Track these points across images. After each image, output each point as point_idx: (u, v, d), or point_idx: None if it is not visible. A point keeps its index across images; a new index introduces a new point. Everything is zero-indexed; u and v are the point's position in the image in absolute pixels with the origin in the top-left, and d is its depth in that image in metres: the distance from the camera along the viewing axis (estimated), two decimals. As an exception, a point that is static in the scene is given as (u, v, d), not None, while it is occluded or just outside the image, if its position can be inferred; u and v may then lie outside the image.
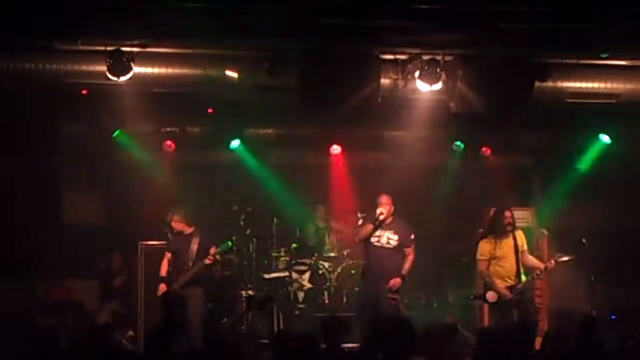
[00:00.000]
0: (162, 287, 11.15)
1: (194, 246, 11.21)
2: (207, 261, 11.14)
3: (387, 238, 10.68)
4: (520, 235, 10.54)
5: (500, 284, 10.33)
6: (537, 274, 10.33)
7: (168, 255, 11.35)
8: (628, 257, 12.60)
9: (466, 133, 13.23)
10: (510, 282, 10.33)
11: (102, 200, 13.69)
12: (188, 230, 11.32)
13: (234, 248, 12.15)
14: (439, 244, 12.03)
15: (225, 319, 12.43)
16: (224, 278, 12.89)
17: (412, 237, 10.76)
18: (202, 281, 11.20)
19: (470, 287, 13.12)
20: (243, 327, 12.01)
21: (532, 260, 10.43)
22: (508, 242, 10.45)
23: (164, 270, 11.30)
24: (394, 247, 10.67)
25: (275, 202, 13.66)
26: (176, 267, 11.19)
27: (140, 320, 12.19)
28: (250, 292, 12.36)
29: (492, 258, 10.44)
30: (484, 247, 10.54)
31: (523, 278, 10.36)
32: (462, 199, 13.52)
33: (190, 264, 11.10)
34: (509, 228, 10.45)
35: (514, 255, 10.38)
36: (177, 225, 11.35)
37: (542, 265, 10.31)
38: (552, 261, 10.23)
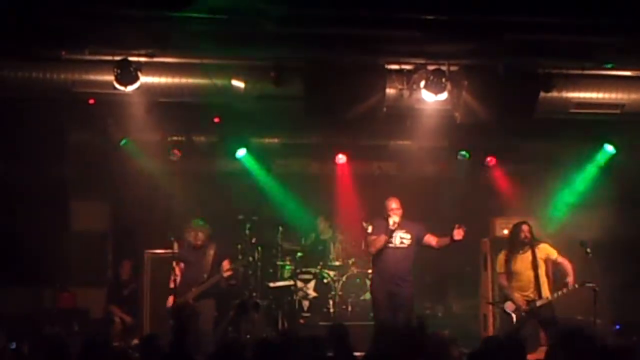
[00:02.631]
0: (171, 300, 11.04)
1: (209, 258, 11.18)
2: (226, 274, 11.13)
3: (400, 238, 10.56)
4: (544, 248, 10.51)
5: (519, 297, 10.36)
6: (563, 292, 10.30)
7: (177, 267, 11.10)
8: (633, 267, 12.60)
9: (471, 143, 13.26)
10: (529, 296, 10.36)
11: (109, 209, 13.77)
12: (201, 242, 11.30)
13: (238, 255, 12.19)
14: (443, 254, 12.00)
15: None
16: (230, 287, 12.92)
17: (423, 226, 10.68)
18: (214, 292, 11.19)
19: (474, 296, 13.18)
20: (234, 334, 12.00)
21: (566, 264, 10.37)
22: (525, 256, 10.45)
23: (172, 282, 11.09)
24: (408, 246, 10.57)
25: (280, 211, 13.70)
26: (190, 279, 11.02)
27: (146, 329, 12.20)
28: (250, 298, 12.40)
29: (509, 272, 10.48)
30: (499, 261, 10.62)
31: (546, 293, 10.38)
32: (467, 208, 13.54)
33: (205, 275, 11.03)
34: (526, 242, 10.47)
35: (531, 270, 10.38)
36: (199, 239, 11.26)
37: (564, 289, 10.25)
38: (577, 285, 10.18)
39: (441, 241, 10.57)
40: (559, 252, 10.49)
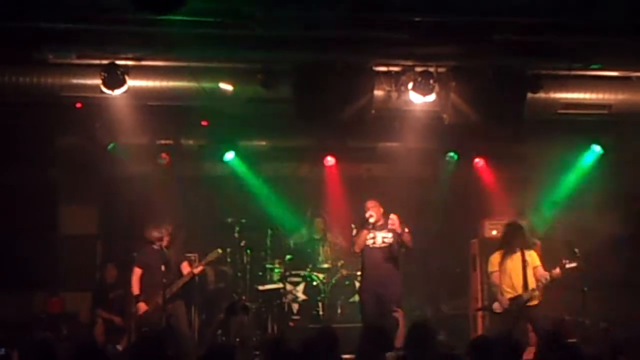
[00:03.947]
0: (143, 306, 11.00)
1: (170, 259, 11.17)
2: (196, 270, 11.16)
3: (382, 238, 10.70)
4: (530, 254, 10.58)
5: (507, 295, 10.39)
6: (542, 283, 10.34)
7: (138, 271, 11.13)
8: (620, 267, 12.65)
9: (459, 144, 13.28)
10: (516, 294, 10.39)
11: (97, 213, 13.72)
12: (165, 243, 11.30)
13: (226, 258, 12.18)
14: (432, 255, 12.08)
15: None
16: (218, 290, 12.91)
17: (393, 217, 10.62)
18: (182, 293, 11.19)
19: (463, 297, 13.20)
20: (223, 338, 11.99)
21: (542, 273, 10.42)
22: (516, 256, 10.50)
23: (136, 287, 11.11)
24: (390, 245, 10.67)
25: (269, 213, 13.69)
26: (152, 283, 10.98)
27: (134, 331, 12.16)
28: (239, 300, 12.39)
29: (502, 271, 10.52)
30: (493, 260, 10.65)
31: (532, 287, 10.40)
32: (456, 209, 13.58)
33: (165, 278, 10.93)
34: (520, 239, 10.53)
35: (521, 269, 10.42)
36: (161, 240, 11.24)
37: (547, 275, 10.32)
38: (558, 269, 10.25)
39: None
40: (542, 261, 10.55)
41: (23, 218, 12.53)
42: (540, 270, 10.45)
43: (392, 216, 10.52)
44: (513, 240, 10.55)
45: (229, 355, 6.95)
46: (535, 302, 10.37)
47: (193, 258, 11.93)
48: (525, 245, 10.54)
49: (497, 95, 10.37)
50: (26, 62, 10.06)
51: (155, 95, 10.45)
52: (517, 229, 10.66)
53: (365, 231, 10.67)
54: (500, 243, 10.74)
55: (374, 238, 10.73)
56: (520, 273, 10.42)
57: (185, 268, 11.30)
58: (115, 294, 12.55)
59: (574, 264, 10.23)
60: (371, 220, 10.63)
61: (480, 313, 12.33)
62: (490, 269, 10.69)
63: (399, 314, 10.48)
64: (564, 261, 10.23)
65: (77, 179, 13.15)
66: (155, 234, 11.22)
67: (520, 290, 10.37)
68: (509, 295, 10.39)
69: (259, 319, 12.57)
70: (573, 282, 10.65)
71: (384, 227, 10.69)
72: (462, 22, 8.99)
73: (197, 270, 11.24)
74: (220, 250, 11.55)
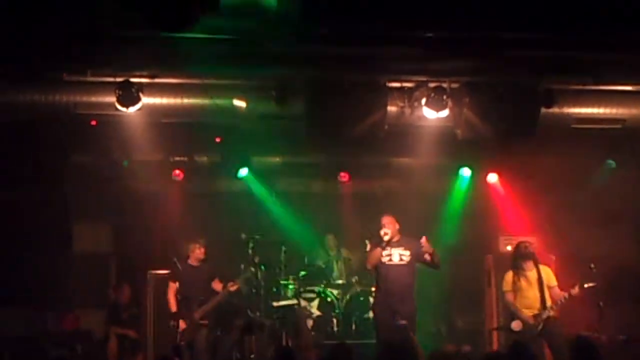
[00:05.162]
0: (183, 324, 10.98)
1: (205, 276, 11.26)
2: (232, 288, 11.18)
3: (399, 255, 10.53)
4: (545, 270, 10.55)
5: (526, 313, 10.35)
6: (561, 301, 10.31)
7: (174, 286, 11.17)
8: (636, 282, 12.58)
9: (473, 159, 13.26)
10: (535, 312, 10.35)
11: (111, 230, 13.76)
12: (201, 260, 11.36)
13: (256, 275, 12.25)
14: (446, 270, 12.01)
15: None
16: (233, 306, 12.90)
17: (423, 239, 10.49)
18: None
19: (478, 313, 13.14)
20: (238, 354, 11.97)
21: (559, 293, 10.39)
22: (531, 274, 10.47)
23: (173, 304, 11.12)
24: (408, 263, 10.51)
25: (283, 230, 13.69)
26: (188, 298, 11.07)
27: (151, 349, 12.17)
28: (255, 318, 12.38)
29: (516, 290, 10.48)
30: (507, 280, 10.60)
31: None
32: (470, 225, 13.55)
33: (201, 295, 11.09)
34: (530, 259, 10.49)
35: (537, 287, 10.39)
36: (197, 255, 11.32)
37: (566, 294, 10.28)
38: (577, 288, 10.20)
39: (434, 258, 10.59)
40: (559, 281, 10.50)
41: (37, 235, 12.56)
42: (557, 290, 10.40)
43: (423, 240, 10.43)
44: (520, 261, 10.53)
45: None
46: (551, 319, 10.33)
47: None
48: (536, 263, 10.50)
49: (510, 111, 10.36)
50: (41, 80, 10.10)
51: (170, 112, 10.48)
52: (523, 248, 10.63)
53: (379, 249, 10.57)
54: (512, 263, 10.71)
55: (390, 255, 10.59)
56: (537, 291, 10.37)
57: (216, 285, 11.30)
58: (129, 314, 12.54)
59: (592, 284, 10.18)
60: (385, 238, 10.52)
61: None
62: (504, 288, 10.65)
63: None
64: (582, 281, 10.18)
65: (91, 197, 13.20)
66: (192, 248, 11.28)
67: (538, 309, 10.33)
68: (530, 313, 10.34)
69: (273, 336, 12.55)
70: (589, 297, 10.60)
71: (400, 243, 10.57)
72: (474, 38, 8.97)
73: (232, 288, 11.24)
74: (253, 269, 11.58)
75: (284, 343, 12.36)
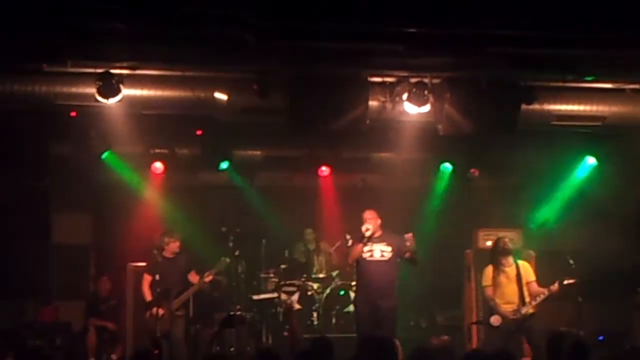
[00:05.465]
0: (154, 314, 11.03)
1: (181, 268, 11.29)
2: (207, 279, 11.22)
3: (381, 251, 10.54)
4: (524, 266, 10.61)
5: (504, 308, 10.39)
6: (540, 298, 10.35)
7: (148, 278, 11.29)
8: (615, 278, 12.65)
9: (454, 154, 13.29)
10: (514, 307, 10.39)
11: (91, 221, 13.70)
12: (177, 252, 11.37)
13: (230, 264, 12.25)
14: (426, 265, 12.04)
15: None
16: (213, 299, 12.89)
17: (409, 235, 10.54)
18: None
19: (458, 307, 13.19)
20: (218, 347, 11.97)
21: (538, 289, 10.43)
22: (510, 270, 10.54)
23: (148, 294, 11.25)
24: (389, 260, 10.52)
25: (263, 223, 13.68)
26: (164, 290, 11.11)
27: (130, 341, 12.15)
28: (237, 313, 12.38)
29: (495, 285, 10.52)
30: (487, 274, 10.65)
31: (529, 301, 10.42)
32: (450, 220, 13.58)
33: (175, 286, 11.15)
34: (509, 254, 10.55)
35: (516, 283, 10.45)
36: (172, 248, 11.35)
37: (545, 291, 10.33)
38: (557, 284, 10.25)
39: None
40: (537, 276, 10.56)
41: (16, 226, 12.52)
42: (535, 286, 10.45)
43: (408, 235, 10.45)
44: (500, 257, 10.58)
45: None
46: (530, 314, 10.38)
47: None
48: (515, 259, 10.56)
49: (491, 107, 10.38)
50: (21, 71, 10.04)
51: (150, 104, 10.43)
52: (502, 244, 10.67)
53: (360, 245, 10.55)
54: (490, 258, 10.76)
55: (371, 251, 10.59)
56: (515, 287, 10.45)
57: (193, 277, 11.33)
58: (108, 306, 12.52)
59: (572, 280, 10.24)
60: (367, 233, 10.51)
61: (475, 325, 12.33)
62: (483, 282, 10.70)
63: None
64: (562, 278, 10.23)
65: (70, 188, 13.15)
66: (167, 241, 11.31)
67: (517, 304, 10.37)
68: (509, 308, 10.38)
69: (253, 329, 12.56)
70: (568, 293, 10.66)
71: (382, 239, 10.56)
72: (456, 34, 8.99)
73: (207, 279, 11.32)
74: (228, 260, 11.61)
75: (264, 339, 12.40)
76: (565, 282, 10.22)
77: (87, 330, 12.23)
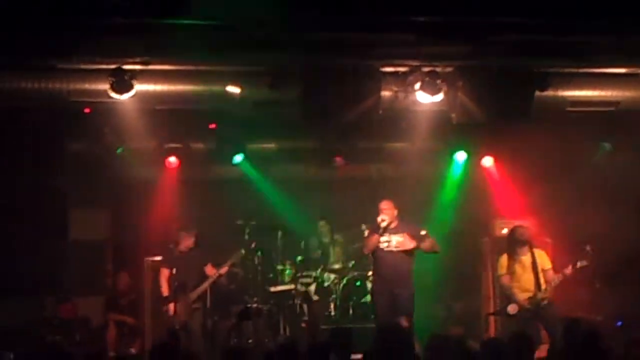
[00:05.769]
0: (172, 308, 11.19)
1: (196, 262, 11.35)
2: (222, 271, 11.33)
3: (397, 241, 10.63)
4: (540, 254, 10.59)
5: (521, 296, 10.37)
6: (555, 283, 10.35)
7: (166, 272, 11.45)
8: (632, 264, 12.60)
9: (468, 143, 13.25)
10: (530, 294, 10.38)
11: (107, 217, 13.75)
12: (192, 246, 11.43)
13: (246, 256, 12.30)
14: (442, 255, 12.03)
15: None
16: (230, 291, 12.93)
17: (424, 232, 10.70)
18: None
19: (475, 296, 13.18)
20: (235, 340, 12.03)
21: (554, 276, 10.42)
22: (526, 258, 10.54)
23: (166, 289, 11.37)
24: (406, 250, 10.64)
25: (279, 215, 13.70)
26: (181, 284, 11.23)
27: (148, 335, 12.23)
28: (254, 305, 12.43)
29: (511, 274, 10.50)
30: (502, 263, 10.63)
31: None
32: (466, 208, 13.55)
33: (192, 280, 11.27)
34: (524, 243, 10.53)
35: (532, 271, 10.45)
36: (188, 242, 11.44)
37: (559, 275, 10.32)
38: (570, 267, 10.24)
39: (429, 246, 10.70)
40: (556, 264, 10.52)
41: (34, 224, 12.56)
42: (551, 274, 10.44)
43: (423, 232, 10.49)
44: (515, 246, 10.56)
45: (242, 358, 6.99)
46: (546, 301, 10.37)
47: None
48: (531, 247, 10.53)
49: (505, 94, 10.35)
50: (34, 68, 10.07)
51: (163, 99, 10.45)
52: (518, 234, 10.65)
53: (376, 236, 10.60)
54: (505, 246, 10.75)
55: (388, 241, 10.65)
56: (531, 276, 10.44)
57: (209, 270, 11.40)
58: (127, 300, 12.58)
59: (585, 263, 10.22)
60: (383, 224, 10.56)
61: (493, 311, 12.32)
62: (499, 271, 10.70)
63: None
64: (574, 261, 10.21)
65: (87, 184, 13.18)
66: (182, 235, 11.43)
67: (533, 292, 10.36)
68: (525, 296, 10.37)
69: (270, 321, 12.59)
70: (585, 279, 10.63)
71: (398, 230, 10.61)
72: (468, 22, 8.96)
73: (222, 271, 11.46)
74: (243, 251, 11.70)
75: (281, 330, 12.43)
76: (579, 264, 10.20)
77: (106, 325, 12.30)
